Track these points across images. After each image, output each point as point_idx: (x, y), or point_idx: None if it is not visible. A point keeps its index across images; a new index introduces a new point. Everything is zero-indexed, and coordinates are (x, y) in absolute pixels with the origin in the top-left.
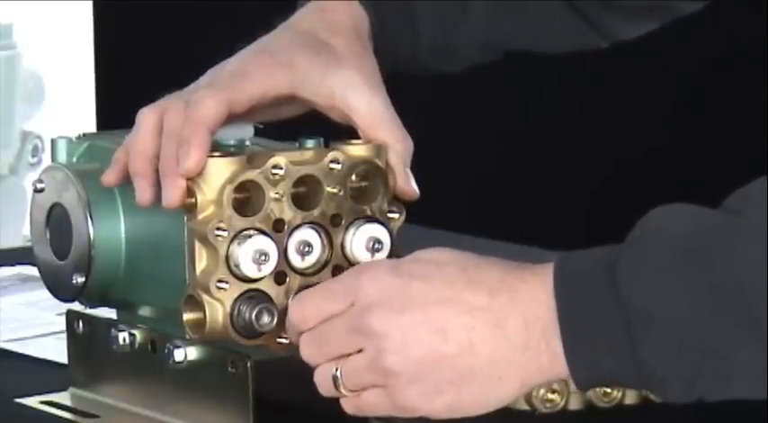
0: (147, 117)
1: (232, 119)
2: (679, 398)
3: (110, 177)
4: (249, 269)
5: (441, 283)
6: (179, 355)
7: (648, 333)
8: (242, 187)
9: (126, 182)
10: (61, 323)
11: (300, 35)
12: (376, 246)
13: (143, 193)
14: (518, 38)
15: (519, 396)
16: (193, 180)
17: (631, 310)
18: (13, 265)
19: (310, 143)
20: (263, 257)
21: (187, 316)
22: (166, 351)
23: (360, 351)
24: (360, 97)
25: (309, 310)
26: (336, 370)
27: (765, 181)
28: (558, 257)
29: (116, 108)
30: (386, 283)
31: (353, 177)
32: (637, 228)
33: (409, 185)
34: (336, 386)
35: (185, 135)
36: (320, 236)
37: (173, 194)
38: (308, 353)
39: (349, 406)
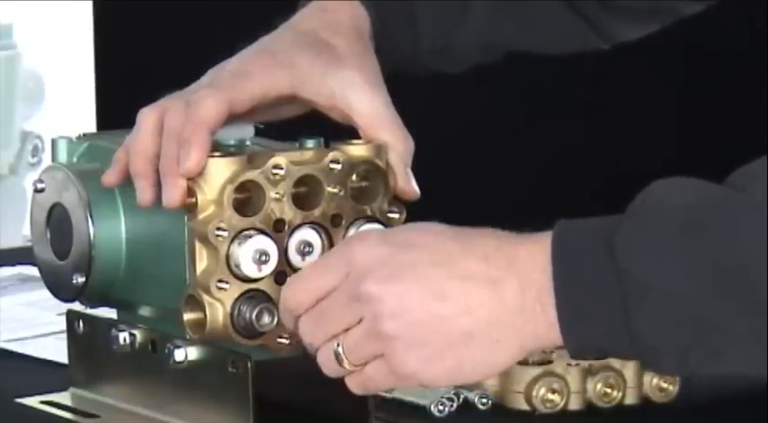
0: (147, 117)
1: (233, 119)
2: (672, 370)
3: (110, 177)
4: (249, 269)
5: (435, 250)
6: (179, 355)
7: (644, 304)
8: (242, 187)
9: (126, 182)
10: (61, 323)
11: (301, 35)
12: None
13: (144, 193)
14: (518, 39)
15: (517, 360)
16: (194, 180)
17: (628, 281)
18: (13, 265)
19: (311, 143)
20: (263, 257)
21: (187, 316)
22: (167, 351)
23: (360, 322)
24: (360, 97)
25: (304, 291)
26: (338, 345)
27: (767, 159)
28: (558, 225)
29: (116, 108)
30: (379, 250)
31: (354, 177)
32: (637, 199)
33: (410, 185)
34: (339, 361)
35: (186, 135)
36: (321, 236)
37: (173, 194)
38: (309, 334)
39: (354, 384)
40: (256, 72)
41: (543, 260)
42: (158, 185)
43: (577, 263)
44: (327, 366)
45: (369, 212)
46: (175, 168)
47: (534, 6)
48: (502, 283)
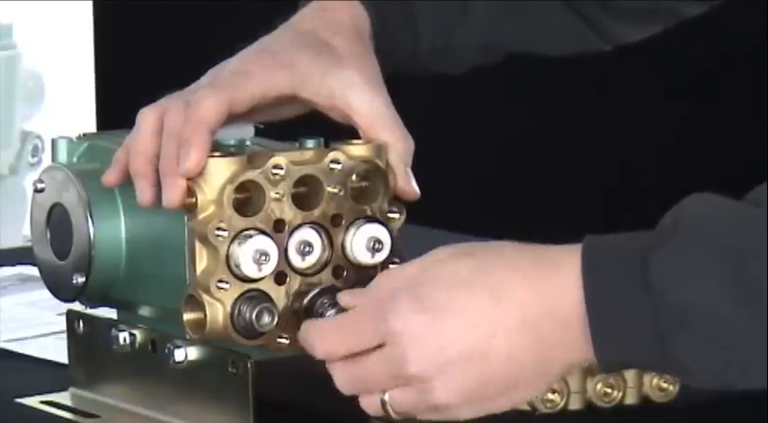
0: (147, 117)
1: (233, 119)
2: (708, 386)
3: (110, 177)
4: (249, 269)
5: (470, 310)
6: (179, 355)
7: (678, 326)
8: (242, 187)
9: (126, 182)
10: (61, 323)
11: (301, 35)
12: (376, 246)
13: (144, 193)
14: (519, 39)
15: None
16: (194, 180)
17: (662, 304)
18: (13, 265)
19: (311, 143)
20: (263, 257)
21: (187, 316)
22: (167, 351)
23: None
24: (360, 97)
25: (335, 344)
26: (384, 394)
27: None
28: (586, 245)
29: (116, 108)
30: (414, 324)
31: (354, 177)
32: (668, 216)
33: (410, 185)
34: (385, 409)
35: (185, 135)
36: (320, 236)
37: (173, 194)
38: (347, 386)
39: (401, 420)
40: (256, 72)
41: (575, 290)
42: (158, 185)
43: (610, 287)
44: (371, 409)
45: (369, 212)
46: (175, 168)
47: (534, 6)
48: (542, 325)
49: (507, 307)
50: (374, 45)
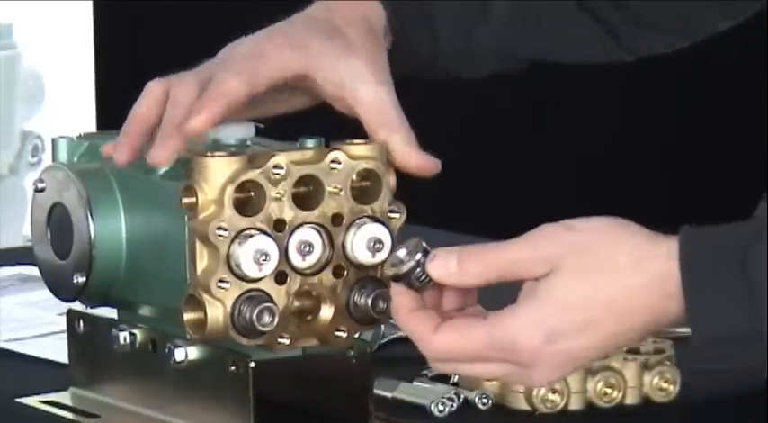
0: (154, 88)
1: (253, 99)
2: None
3: (110, 148)
4: (250, 269)
5: (593, 335)
6: (179, 354)
7: None
8: (243, 187)
9: (127, 177)
10: (61, 323)
11: (315, 21)
12: (377, 246)
13: (121, 150)
14: (539, 42)
15: None
16: (194, 179)
17: (760, 296)
18: (13, 265)
19: (311, 143)
20: (263, 257)
21: (188, 316)
22: (167, 351)
23: None
24: (366, 88)
25: (454, 357)
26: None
27: None
28: (683, 238)
29: (116, 108)
30: (544, 353)
31: (354, 177)
32: (763, 209)
33: (426, 160)
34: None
35: (202, 101)
36: (321, 236)
37: (161, 154)
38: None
39: None
40: (270, 52)
41: (679, 302)
42: (140, 150)
43: (709, 279)
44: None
45: (369, 212)
46: (173, 132)
47: (552, 7)
48: (648, 333)
49: (629, 331)
50: (393, 45)
